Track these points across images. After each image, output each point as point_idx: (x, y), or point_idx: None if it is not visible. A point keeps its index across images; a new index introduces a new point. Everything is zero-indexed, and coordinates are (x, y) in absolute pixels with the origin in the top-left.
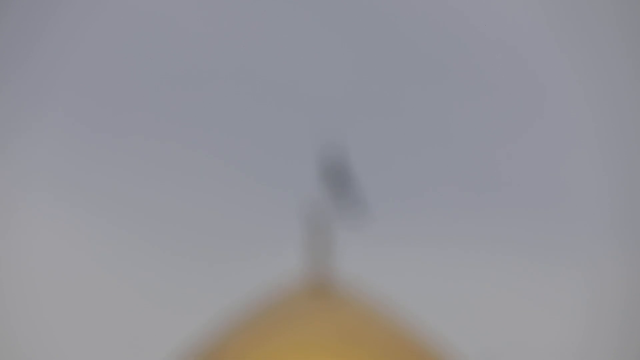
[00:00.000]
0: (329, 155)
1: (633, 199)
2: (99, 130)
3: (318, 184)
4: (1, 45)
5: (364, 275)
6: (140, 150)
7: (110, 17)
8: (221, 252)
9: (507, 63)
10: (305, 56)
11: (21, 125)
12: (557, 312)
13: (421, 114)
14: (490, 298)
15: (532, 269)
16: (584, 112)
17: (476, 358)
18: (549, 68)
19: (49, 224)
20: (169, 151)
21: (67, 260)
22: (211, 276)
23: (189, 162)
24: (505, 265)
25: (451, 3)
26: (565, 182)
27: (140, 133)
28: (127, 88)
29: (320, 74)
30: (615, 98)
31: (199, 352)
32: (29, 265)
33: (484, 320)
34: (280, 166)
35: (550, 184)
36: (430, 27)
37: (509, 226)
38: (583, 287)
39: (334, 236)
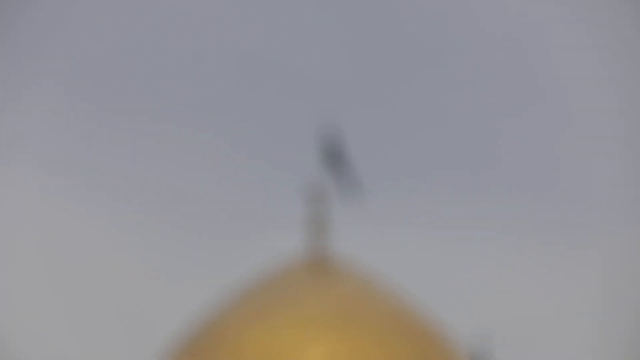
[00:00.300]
0: (328, 136)
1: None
2: (109, 112)
3: (318, 164)
4: None
5: (361, 253)
6: (147, 133)
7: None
8: (225, 229)
9: (501, 49)
10: (306, 41)
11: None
12: (552, 288)
13: (418, 97)
14: (484, 275)
15: (528, 246)
16: (582, 91)
17: (471, 334)
18: (542, 52)
19: (60, 203)
20: (175, 133)
21: (77, 237)
22: (214, 253)
23: (193, 144)
24: (498, 242)
25: None
26: (558, 161)
27: (146, 116)
28: (134, 74)
29: (321, 58)
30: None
31: (203, 326)
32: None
33: (479, 297)
34: (281, 147)
35: (545, 164)
36: (428, 14)
37: (503, 205)
38: (578, 263)
39: (332, 214)
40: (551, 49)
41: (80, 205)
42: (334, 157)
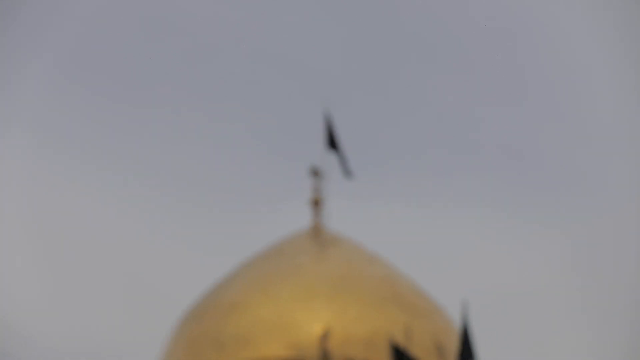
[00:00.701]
0: (325, 119)
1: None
2: (119, 95)
3: (319, 145)
4: None
5: (356, 227)
6: (159, 117)
7: None
8: (231, 205)
9: (489, 40)
10: (307, 36)
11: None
12: (527, 262)
13: (406, 85)
14: (470, 249)
15: (509, 222)
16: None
17: (456, 305)
18: (528, 45)
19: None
20: (187, 117)
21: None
22: (221, 227)
23: (203, 126)
24: (482, 219)
25: None
26: (537, 146)
27: (160, 103)
28: (148, 63)
29: (319, 49)
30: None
31: (208, 295)
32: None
33: (465, 270)
34: (286, 130)
35: (524, 148)
36: (420, 6)
37: (484, 185)
38: (550, 241)
39: (331, 191)
40: (535, 41)
41: (97, 183)
42: (331, 139)
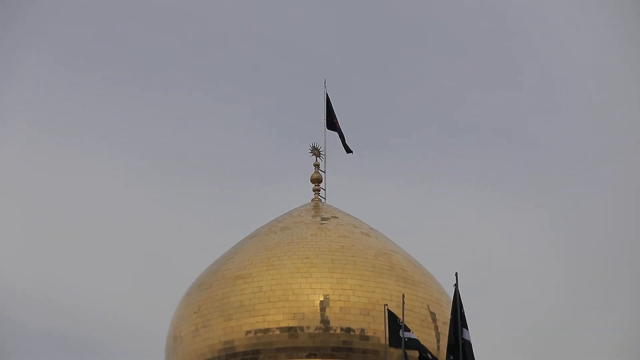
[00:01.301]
0: (325, 99)
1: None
2: (131, 84)
3: (319, 123)
4: None
5: (354, 202)
6: (167, 99)
7: None
8: (235, 182)
9: (483, 24)
10: (306, 16)
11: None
12: (512, 233)
13: (406, 67)
14: (462, 224)
15: (499, 199)
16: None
17: (448, 277)
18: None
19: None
20: (194, 99)
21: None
22: (226, 204)
23: (209, 108)
24: (474, 195)
25: None
26: (524, 125)
27: (167, 85)
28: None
29: (319, 31)
30: None
31: (214, 266)
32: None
33: (457, 243)
34: (285, 109)
35: (512, 127)
36: None
37: (479, 163)
38: (534, 215)
39: (330, 168)
40: (528, 27)
41: (109, 162)
42: (331, 118)
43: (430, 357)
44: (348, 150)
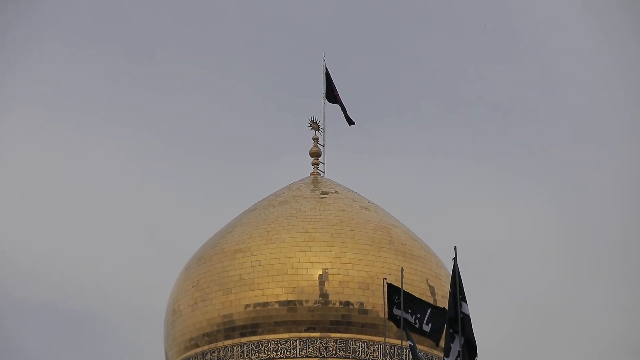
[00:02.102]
0: (325, 73)
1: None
2: (132, 59)
3: (318, 98)
4: None
5: (354, 176)
6: (169, 74)
7: None
8: (235, 156)
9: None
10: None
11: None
12: (509, 210)
13: (405, 41)
14: (461, 199)
15: (498, 174)
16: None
17: (447, 251)
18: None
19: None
20: (195, 74)
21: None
22: (226, 178)
23: (210, 82)
24: (473, 171)
25: None
26: (523, 103)
27: (168, 61)
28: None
29: (319, 5)
30: None
31: (214, 239)
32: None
33: (456, 218)
34: (284, 84)
35: (512, 105)
36: None
37: (479, 138)
38: (533, 192)
39: (330, 142)
40: (528, 3)
41: (110, 136)
42: (330, 92)
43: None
44: (350, 122)
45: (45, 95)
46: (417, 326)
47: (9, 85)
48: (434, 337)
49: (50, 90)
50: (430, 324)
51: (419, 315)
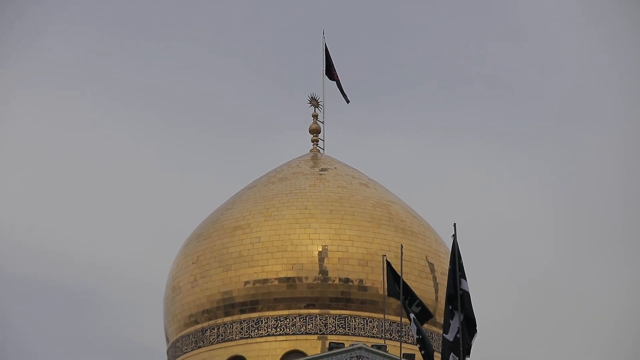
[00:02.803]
0: (324, 50)
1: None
2: (134, 37)
3: (318, 75)
4: None
5: (355, 155)
6: (169, 52)
7: None
8: (235, 133)
9: None
10: None
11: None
12: (518, 189)
13: (406, 18)
14: (461, 176)
15: (498, 151)
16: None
17: (446, 228)
18: None
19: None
20: (195, 51)
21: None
22: (226, 154)
23: (209, 60)
24: (473, 148)
25: None
26: (525, 82)
27: (168, 38)
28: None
29: None
30: None
31: (213, 216)
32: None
33: (455, 195)
34: (284, 61)
35: (513, 83)
36: None
37: (479, 115)
38: (534, 171)
39: (329, 119)
40: None
41: (110, 113)
42: (329, 68)
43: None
44: (347, 100)
45: (48, 74)
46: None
47: (14, 65)
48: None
49: (52, 69)
50: (419, 307)
51: (409, 298)
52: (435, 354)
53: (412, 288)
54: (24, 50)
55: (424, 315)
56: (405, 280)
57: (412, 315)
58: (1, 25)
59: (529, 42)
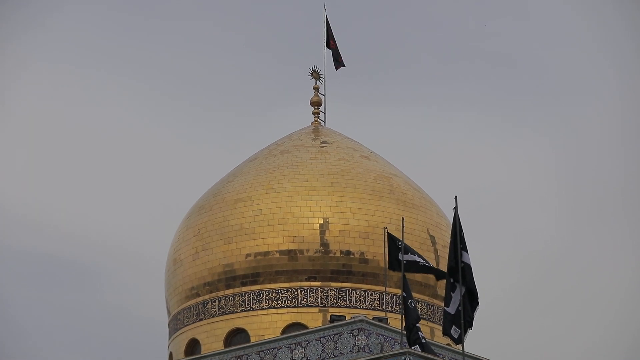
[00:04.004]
0: (325, 22)
1: None
2: (137, 13)
3: (319, 47)
4: None
5: (356, 128)
6: (171, 27)
7: None
8: (236, 106)
9: None
10: None
11: None
12: (518, 162)
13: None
14: (462, 149)
15: (499, 125)
16: None
17: (447, 200)
18: None
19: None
20: (196, 26)
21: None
22: (227, 127)
23: (211, 34)
24: (474, 121)
25: None
26: (525, 56)
27: (170, 14)
28: None
29: None
30: None
31: (217, 193)
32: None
33: (457, 168)
34: (285, 34)
35: (513, 57)
36: None
37: (480, 89)
38: (534, 143)
39: (331, 93)
40: None
41: (114, 88)
42: (329, 41)
43: (429, 266)
44: (337, 66)
45: (48, 49)
46: (422, 263)
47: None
48: (439, 274)
49: (53, 43)
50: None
51: (424, 258)
52: (436, 326)
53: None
54: (31, 26)
55: (439, 274)
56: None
57: (403, 294)
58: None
59: (530, 17)
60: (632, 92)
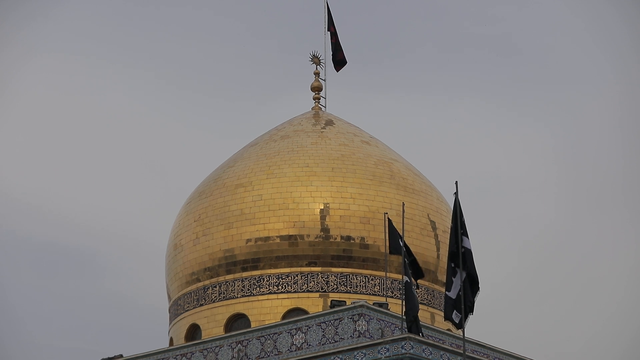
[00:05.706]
0: (326, 8)
1: None
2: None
3: (320, 33)
4: None
5: (357, 113)
6: (172, 15)
7: None
8: (237, 91)
9: None
10: None
11: None
12: (518, 149)
13: None
14: (462, 135)
15: (499, 112)
16: None
17: (448, 186)
18: None
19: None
20: (197, 14)
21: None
22: (227, 113)
23: (212, 22)
24: (475, 108)
25: None
26: (526, 43)
27: (172, 1)
28: None
29: None
30: None
31: (217, 178)
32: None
33: (457, 154)
34: (286, 19)
35: (514, 45)
36: None
37: (481, 76)
38: (534, 130)
39: (331, 80)
40: None
41: (118, 76)
42: (330, 24)
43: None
44: (337, 67)
45: (51, 38)
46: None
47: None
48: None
49: (56, 33)
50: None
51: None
52: (437, 311)
53: (413, 245)
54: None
55: (416, 272)
56: (406, 238)
57: (406, 279)
58: None
59: (530, 5)
60: (632, 80)
